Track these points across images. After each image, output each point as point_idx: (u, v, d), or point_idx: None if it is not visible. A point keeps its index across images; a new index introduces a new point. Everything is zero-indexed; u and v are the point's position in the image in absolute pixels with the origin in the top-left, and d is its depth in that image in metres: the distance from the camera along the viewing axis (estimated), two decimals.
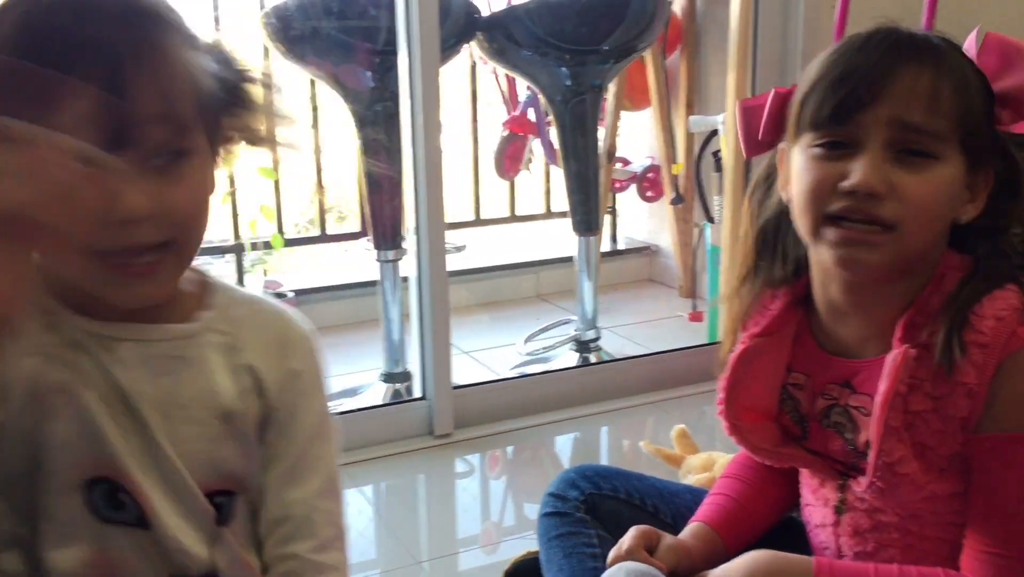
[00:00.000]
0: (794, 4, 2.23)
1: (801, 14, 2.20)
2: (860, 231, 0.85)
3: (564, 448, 2.13)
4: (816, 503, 1.03)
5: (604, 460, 2.08)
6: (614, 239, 3.34)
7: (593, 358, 2.50)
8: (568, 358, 2.52)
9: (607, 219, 3.25)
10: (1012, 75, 0.90)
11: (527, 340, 2.63)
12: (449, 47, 2.12)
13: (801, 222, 0.90)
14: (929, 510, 0.93)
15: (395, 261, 2.20)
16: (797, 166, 0.90)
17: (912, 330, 0.88)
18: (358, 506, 1.82)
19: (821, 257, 0.91)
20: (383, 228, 2.17)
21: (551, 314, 2.91)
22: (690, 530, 1.05)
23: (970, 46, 0.92)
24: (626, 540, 1.00)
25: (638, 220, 3.30)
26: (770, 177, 1.01)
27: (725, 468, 1.14)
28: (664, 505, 1.18)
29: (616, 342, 2.69)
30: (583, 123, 2.29)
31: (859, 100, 0.85)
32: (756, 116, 0.98)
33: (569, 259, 2.56)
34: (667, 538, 1.01)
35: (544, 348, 2.59)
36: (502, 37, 2.22)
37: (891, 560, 0.95)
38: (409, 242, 2.03)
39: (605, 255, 3.18)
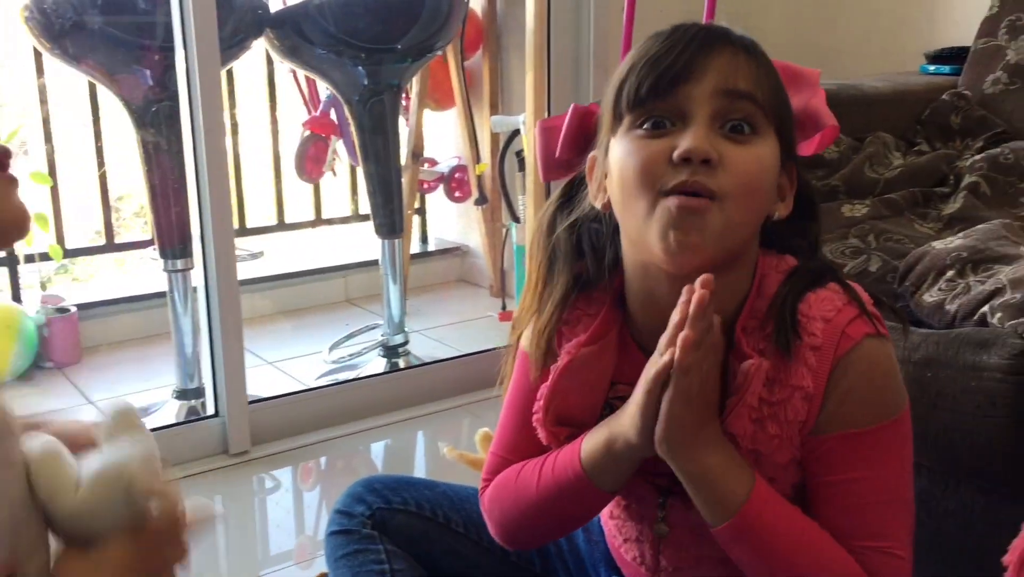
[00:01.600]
0: (585, 5, 2.26)
1: (592, 16, 2.24)
2: (695, 200, 0.81)
3: (375, 457, 2.07)
4: (628, 519, 1.00)
5: (419, 466, 2.03)
6: (424, 240, 3.31)
7: (402, 363, 2.45)
8: (376, 364, 2.46)
9: (416, 220, 3.21)
10: (795, 96, 0.90)
11: (332, 348, 2.55)
12: (235, 44, 2.02)
13: (633, 207, 0.84)
14: None
15: (184, 271, 2.07)
16: (621, 153, 0.85)
17: (747, 335, 0.87)
18: None
19: (651, 244, 0.84)
20: (168, 236, 2.04)
21: (361, 319, 2.84)
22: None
23: None
24: None
25: (448, 221, 3.27)
26: (567, 202, 0.97)
27: None
28: (455, 513, 1.15)
29: (427, 345, 2.65)
30: (382, 124, 2.23)
31: (682, 73, 0.83)
32: (555, 138, 0.94)
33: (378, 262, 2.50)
34: None
35: (351, 355, 2.52)
36: (294, 34, 2.13)
37: (715, 574, 0.94)
38: (195, 250, 1.91)
39: (415, 256, 3.14)
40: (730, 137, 0.83)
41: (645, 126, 0.84)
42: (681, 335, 0.80)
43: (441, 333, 2.78)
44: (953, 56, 1.88)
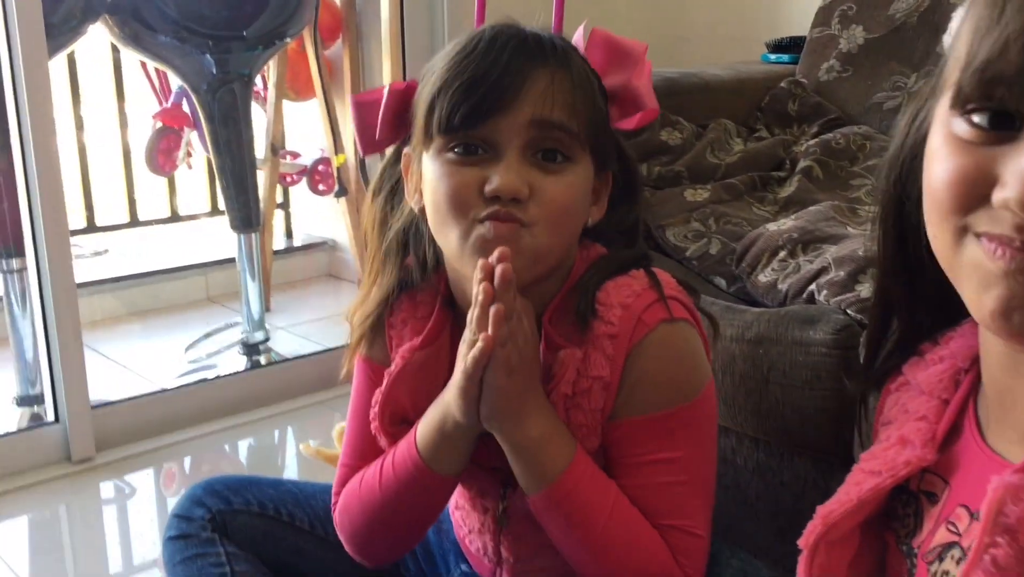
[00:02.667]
0: None
1: (445, 3, 2.22)
2: (507, 226, 0.82)
3: (240, 456, 2.01)
4: (472, 510, 1.01)
5: (283, 464, 1.98)
6: (289, 235, 3.23)
7: (263, 360, 2.39)
8: (236, 362, 2.39)
9: (280, 215, 3.13)
10: (618, 72, 0.91)
11: (188, 348, 2.47)
12: (69, 30, 1.92)
13: (445, 233, 0.86)
14: None
15: (20, 271, 1.96)
16: (433, 174, 0.86)
17: (555, 327, 0.88)
18: None
19: (467, 270, 0.85)
20: (2, 235, 1.92)
21: (222, 317, 2.75)
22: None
23: (578, 41, 0.92)
24: None
25: (314, 214, 3.21)
26: (388, 183, 0.96)
27: None
28: (300, 511, 1.12)
29: (291, 342, 2.59)
30: (233, 115, 2.16)
31: (496, 104, 0.82)
32: (372, 113, 0.92)
33: None
34: None
35: (208, 354, 2.44)
36: (133, 20, 2.03)
37: (554, 559, 0.94)
38: (27, 250, 1.81)
39: (280, 252, 3.06)
40: (542, 166, 0.84)
41: (456, 150, 0.84)
42: (492, 308, 0.80)
43: (307, 329, 2.72)
44: (792, 45, 1.95)
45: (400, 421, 0.94)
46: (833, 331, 1.11)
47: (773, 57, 1.99)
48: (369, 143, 0.94)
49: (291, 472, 1.92)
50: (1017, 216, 0.49)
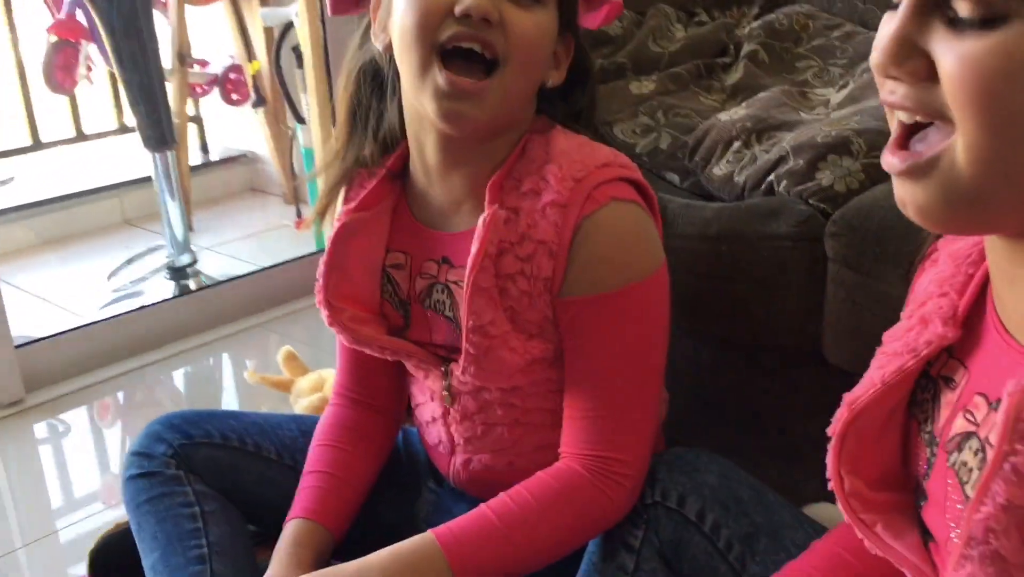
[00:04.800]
0: None
1: None
2: (467, 81, 0.81)
3: (178, 386, 1.93)
4: (424, 399, 1.00)
5: (228, 393, 1.91)
6: (204, 149, 3.08)
7: (192, 284, 2.29)
8: (164, 288, 2.29)
9: (194, 129, 2.98)
10: None
11: (111, 276, 2.35)
12: None
13: (408, 58, 0.83)
14: (529, 381, 0.92)
15: None
16: (401, 2, 0.83)
17: (501, 192, 0.87)
18: None
19: (424, 106, 0.84)
20: None
21: (143, 240, 2.63)
22: (292, 535, 0.95)
23: None
24: None
25: (230, 126, 3.05)
26: (365, 43, 0.94)
27: (315, 433, 1.05)
28: (266, 441, 1.09)
29: (220, 263, 2.49)
30: (134, 23, 2.01)
31: None
32: None
33: None
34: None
35: (132, 281, 2.33)
36: None
37: (500, 439, 0.95)
38: None
39: (196, 168, 2.92)
40: (515, 1, 0.82)
41: None
42: None
43: (234, 248, 2.62)
44: None
45: (342, 296, 0.94)
46: (796, 223, 1.08)
47: None
48: (338, 1, 0.92)
49: (233, 402, 1.86)
50: None
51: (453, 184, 0.90)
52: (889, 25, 0.49)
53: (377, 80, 0.94)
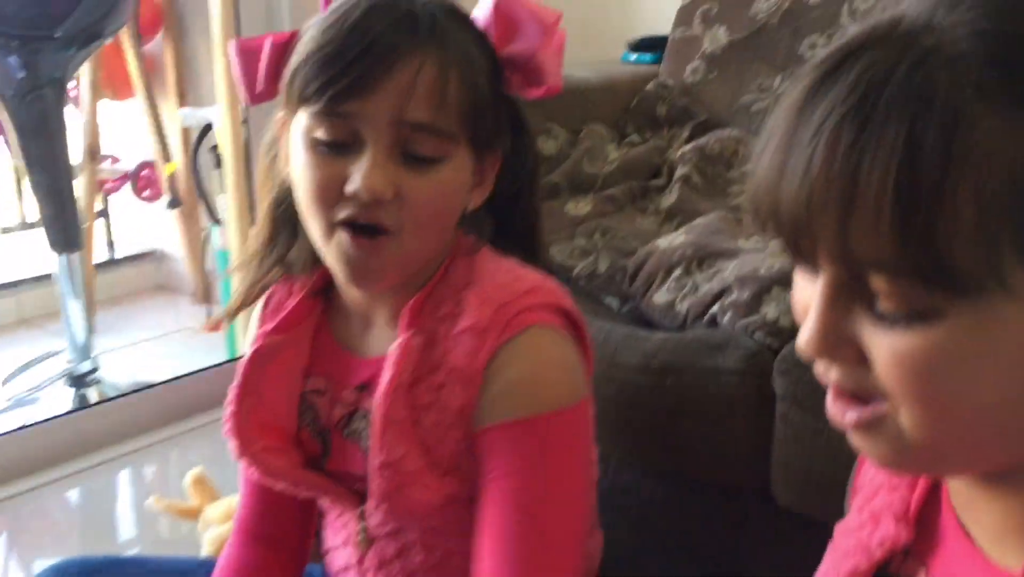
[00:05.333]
0: None
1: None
2: (368, 242, 0.76)
3: (69, 514, 1.78)
4: (337, 543, 0.92)
5: (124, 520, 1.76)
6: (111, 246, 2.95)
7: (93, 395, 2.15)
8: (62, 396, 2.15)
9: (101, 224, 2.86)
10: (524, 40, 0.83)
11: (5, 382, 2.20)
12: None
13: (310, 224, 0.79)
14: (448, 520, 0.84)
15: None
16: (298, 160, 0.79)
17: (419, 317, 0.81)
18: None
19: (330, 265, 0.80)
20: None
21: (40, 342, 2.48)
22: None
23: (485, 5, 0.84)
24: None
25: (138, 223, 2.94)
26: (276, 142, 0.88)
27: (232, 529, 0.97)
28: None
29: (122, 367, 2.36)
30: (45, 124, 1.91)
31: (356, 84, 0.74)
32: (254, 62, 0.85)
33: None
34: None
35: (29, 389, 2.18)
36: None
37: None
38: None
39: (101, 265, 2.79)
40: (410, 165, 0.77)
41: (321, 140, 0.77)
42: None
43: (138, 351, 2.49)
44: (654, 44, 1.90)
45: (258, 425, 0.86)
46: (743, 358, 1.06)
47: (634, 57, 1.94)
48: (252, 93, 0.86)
49: (134, 529, 1.72)
50: None
51: (375, 311, 0.86)
52: (810, 316, 0.46)
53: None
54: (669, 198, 1.46)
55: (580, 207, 1.41)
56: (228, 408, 0.86)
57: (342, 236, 0.77)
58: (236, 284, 0.92)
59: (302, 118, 0.78)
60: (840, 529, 0.60)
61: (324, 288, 0.89)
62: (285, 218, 0.88)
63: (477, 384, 0.79)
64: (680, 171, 1.50)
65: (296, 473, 0.88)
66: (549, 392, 0.80)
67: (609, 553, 0.99)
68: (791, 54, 1.67)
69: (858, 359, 0.45)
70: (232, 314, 0.92)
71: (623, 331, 1.15)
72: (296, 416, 0.89)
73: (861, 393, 0.46)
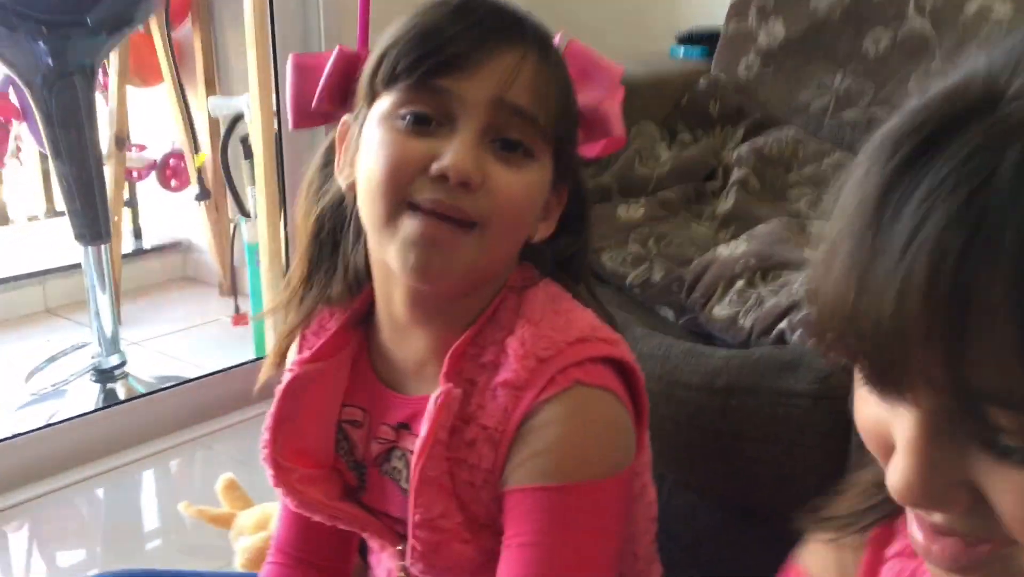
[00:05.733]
0: None
1: None
2: (444, 229, 0.69)
3: (94, 517, 1.73)
4: (382, 575, 0.87)
5: (151, 523, 1.72)
6: (137, 236, 2.91)
7: (120, 391, 2.11)
8: (88, 392, 2.10)
9: (127, 214, 2.81)
10: (590, 91, 0.78)
11: (29, 377, 2.15)
12: None
13: (372, 209, 0.72)
14: (492, 572, 0.77)
15: None
16: (373, 139, 0.72)
17: (460, 361, 0.74)
18: None
19: (388, 258, 0.72)
20: None
21: (66, 333, 2.44)
22: None
23: None
24: None
25: (166, 212, 2.89)
26: (329, 164, 0.82)
27: (271, 547, 0.92)
28: None
29: (149, 360, 2.31)
30: (74, 113, 1.86)
31: (455, 59, 0.69)
32: (312, 78, 0.79)
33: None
34: None
35: (54, 384, 2.13)
36: None
37: None
38: None
39: (128, 256, 2.75)
40: (500, 155, 0.71)
41: (406, 118, 0.70)
42: None
43: (165, 344, 2.44)
44: (704, 38, 1.83)
45: (294, 453, 0.81)
46: (817, 380, 0.99)
47: (682, 51, 1.86)
48: (302, 114, 0.81)
49: (162, 534, 1.67)
50: None
51: (418, 342, 0.78)
52: (906, 457, 0.37)
53: (341, 218, 0.82)
54: (725, 203, 1.39)
55: (632, 211, 1.34)
56: (264, 434, 0.82)
57: (412, 220, 0.70)
58: (272, 324, 0.87)
59: (384, 102, 0.72)
60: None
61: (366, 316, 0.83)
62: (327, 244, 0.82)
63: (507, 444, 0.72)
64: (736, 174, 1.43)
65: (333, 507, 0.83)
66: (586, 460, 0.73)
67: None
68: (853, 50, 1.59)
69: (974, 501, 0.37)
70: (279, 357, 0.86)
71: (683, 347, 1.08)
72: (333, 445, 0.84)
73: (980, 537, 0.38)
